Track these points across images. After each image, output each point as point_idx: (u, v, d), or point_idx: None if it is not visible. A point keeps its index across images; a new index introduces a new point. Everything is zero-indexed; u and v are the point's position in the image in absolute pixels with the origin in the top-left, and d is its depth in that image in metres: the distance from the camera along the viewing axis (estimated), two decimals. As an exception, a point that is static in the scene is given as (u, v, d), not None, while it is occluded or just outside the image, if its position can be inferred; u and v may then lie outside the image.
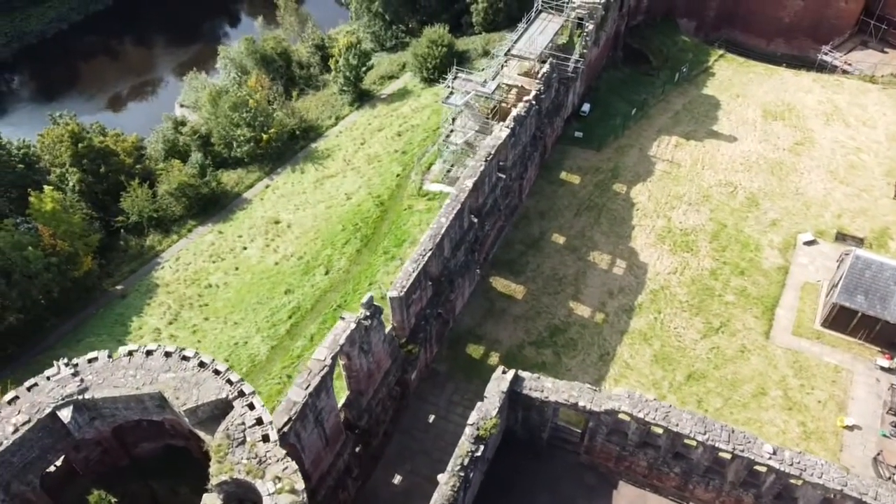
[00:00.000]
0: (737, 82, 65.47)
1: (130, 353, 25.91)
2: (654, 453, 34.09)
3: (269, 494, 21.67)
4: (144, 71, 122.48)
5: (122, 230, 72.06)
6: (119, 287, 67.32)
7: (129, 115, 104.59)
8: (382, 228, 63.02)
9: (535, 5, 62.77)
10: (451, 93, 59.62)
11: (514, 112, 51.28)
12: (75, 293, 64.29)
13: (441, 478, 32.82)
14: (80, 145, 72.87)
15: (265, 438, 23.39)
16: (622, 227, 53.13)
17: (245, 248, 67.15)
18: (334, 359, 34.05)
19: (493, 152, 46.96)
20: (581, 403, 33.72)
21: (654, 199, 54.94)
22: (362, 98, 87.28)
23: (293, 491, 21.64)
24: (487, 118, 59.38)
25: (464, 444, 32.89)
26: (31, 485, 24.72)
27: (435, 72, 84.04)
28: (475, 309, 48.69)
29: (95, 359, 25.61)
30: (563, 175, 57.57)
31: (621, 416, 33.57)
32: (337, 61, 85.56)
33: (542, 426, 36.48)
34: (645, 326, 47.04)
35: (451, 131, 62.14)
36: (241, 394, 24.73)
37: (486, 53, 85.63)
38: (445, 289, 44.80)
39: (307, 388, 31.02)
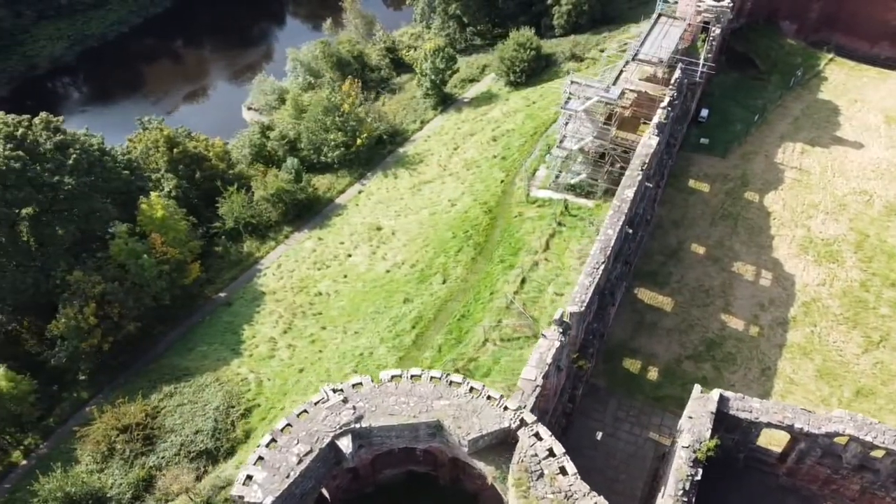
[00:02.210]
0: (851, 87, 64.32)
1: (394, 378, 25.06)
2: (873, 477, 33.12)
3: (587, 532, 20.89)
4: (202, 73, 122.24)
5: (220, 236, 71.50)
6: (222, 294, 66.84)
7: (196, 117, 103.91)
8: (494, 236, 62.10)
9: (656, 9, 61.78)
10: (569, 98, 58.60)
11: (655, 118, 50.31)
12: (182, 301, 63.79)
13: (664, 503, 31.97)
14: (175, 150, 72.41)
15: (563, 471, 22.57)
16: (761, 236, 52.14)
17: (350, 256, 66.42)
18: (545, 378, 33.23)
19: (647, 161, 46.04)
20: (797, 426, 32.70)
21: (788, 208, 53.92)
22: (445, 102, 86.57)
23: (610, 528, 20.84)
24: (606, 124, 58.43)
25: (682, 468, 31.91)
26: (302, 515, 24.05)
27: (522, 75, 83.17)
28: (625, 322, 47.79)
29: (360, 384, 24.75)
30: (692, 183, 56.62)
31: (839, 438, 32.67)
32: (421, 65, 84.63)
33: (741, 447, 35.55)
34: (802, 340, 46.06)
35: (564, 137, 61.12)
36: (524, 422, 23.91)
37: (573, 57, 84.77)
38: (607, 301, 43.95)
39: (523, 408, 30.14)
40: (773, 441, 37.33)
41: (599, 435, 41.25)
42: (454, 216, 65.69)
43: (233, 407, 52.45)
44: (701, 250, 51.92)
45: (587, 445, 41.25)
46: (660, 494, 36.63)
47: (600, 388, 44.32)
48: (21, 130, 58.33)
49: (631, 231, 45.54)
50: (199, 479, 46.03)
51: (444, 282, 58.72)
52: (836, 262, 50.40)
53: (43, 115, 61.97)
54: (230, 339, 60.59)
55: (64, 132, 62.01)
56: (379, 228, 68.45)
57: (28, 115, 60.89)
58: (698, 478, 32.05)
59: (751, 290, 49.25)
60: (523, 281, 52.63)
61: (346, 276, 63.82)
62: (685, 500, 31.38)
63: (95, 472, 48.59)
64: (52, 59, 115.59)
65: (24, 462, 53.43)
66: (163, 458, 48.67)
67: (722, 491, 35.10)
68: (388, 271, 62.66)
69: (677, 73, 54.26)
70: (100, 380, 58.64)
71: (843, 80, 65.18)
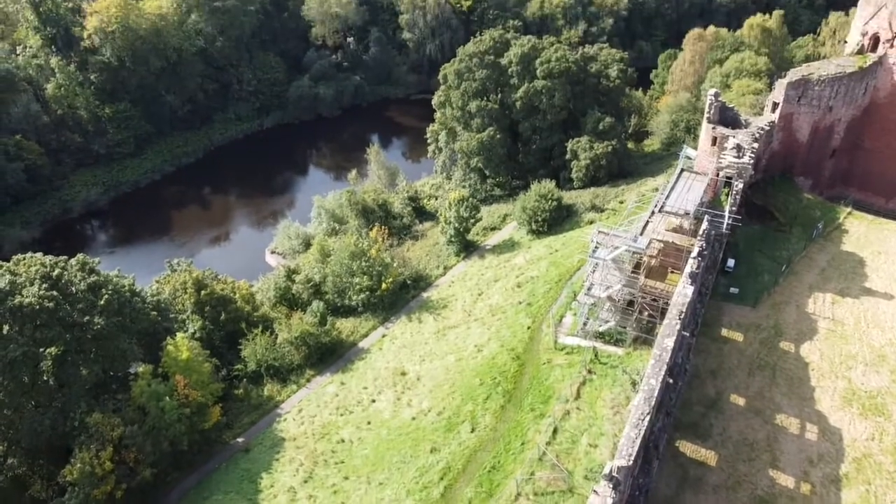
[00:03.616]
0: (873, 239, 65.42)
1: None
2: None
3: None
4: (228, 219, 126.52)
5: (241, 379, 70.53)
6: (240, 440, 64.88)
7: (221, 260, 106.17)
8: (523, 383, 60.94)
9: (679, 164, 64.49)
10: (597, 247, 59.66)
11: (687, 268, 50.82)
12: (199, 446, 61.83)
13: None
14: (202, 292, 73.12)
15: None
16: (802, 387, 50.81)
17: (374, 401, 65.01)
18: (599, 538, 31.14)
19: (683, 310, 45.94)
20: None
21: (826, 359, 53.00)
22: (468, 248, 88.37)
23: None
24: (634, 272, 59.04)
25: None
26: None
27: (544, 224, 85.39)
28: (668, 477, 45.50)
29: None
30: (725, 332, 56.17)
31: None
32: (445, 213, 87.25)
33: None
34: (859, 501, 43.49)
35: (592, 284, 61.55)
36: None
37: (593, 207, 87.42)
38: (651, 454, 42.12)
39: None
40: None
41: None
42: (481, 362, 64.88)
43: (248, 566, 49.13)
44: (741, 401, 50.50)
45: None
46: None
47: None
48: (57, 271, 59.42)
49: (671, 381, 44.56)
50: None
51: (472, 430, 57.00)
52: (883, 416, 48.72)
53: (80, 256, 63.48)
54: (248, 488, 58.07)
55: (98, 273, 63.14)
56: (404, 373, 67.49)
57: (65, 257, 62.37)
58: None
59: (797, 444, 47.27)
60: (555, 431, 51.07)
61: (369, 423, 62.11)
62: None
63: None
64: (86, 204, 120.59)
65: None
66: None
67: None
68: (413, 418, 60.99)
69: (705, 225, 55.51)
70: (107, 532, 55.52)
71: (865, 233, 66.46)
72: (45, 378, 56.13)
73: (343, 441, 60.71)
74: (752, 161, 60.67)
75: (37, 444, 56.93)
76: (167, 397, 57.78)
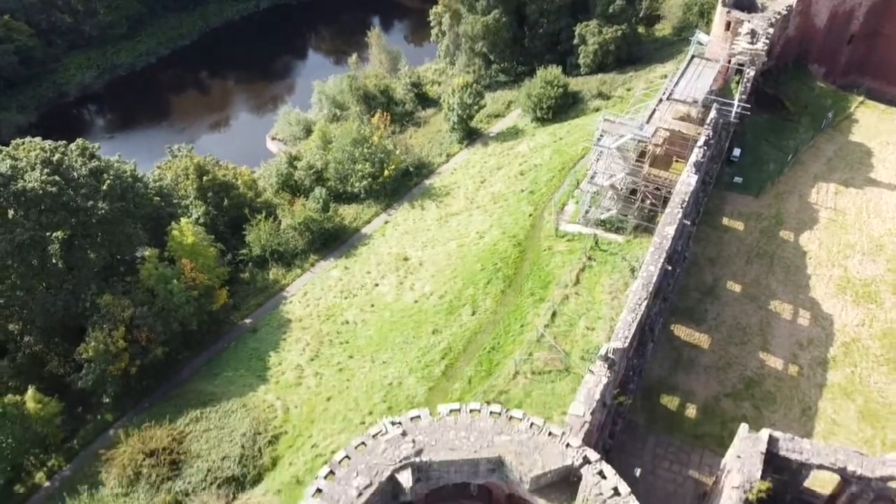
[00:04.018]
0: (883, 130, 64.53)
1: (453, 412, 24.65)
2: (927, 521, 32.29)
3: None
4: (227, 104, 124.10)
5: (246, 263, 71.61)
6: (248, 321, 66.65)
7: (221, 146, 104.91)
8: (523, 269, 61.93)
9: (690, 50, 62.51)
10: (602, 135, 58.92)
11: (692, 157, 50.46)
12: (208, 326, 63.61)
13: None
14: (204, 178, 72.94)
15: (630, 510, 22.13)
16: (798, 275, 51.79)
17: (377, 285, 66.23)
18: (592, 413, 32.72)
19: (686, 199, 46.03)
20: (850, 468, 31.98)
21: (825, 248, 53.67)
22: (471, 136, 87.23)
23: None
24: (638, 161, 58.61)
25: (733, 508, 31.22)
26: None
27: (549, 111, 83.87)
28: (662, 358, 47.25)
29: (418, 417, 24.33)
30: (726, 221, 56.54)
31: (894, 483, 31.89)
32: (449, 100, 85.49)
33: (789, 488, 34.72)
34: (843, 381, 45.37)
35: (595, 173, 61.28)
36: (587, 460, 23.43)
37: (600, 95, 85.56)
38: (647, 337, 43.53)
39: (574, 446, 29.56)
40: (816, 482, 36.49)
41: (638, 472, 40.41)
42: (482, 248, 65.62)
43: (260, 434, 51.86)
44: (737, 288, 51.58)
45: (626, 482, 40.33)
46: (704, 534, 35.78)
47: (638, 426, 43.61)
48: (57, 156, 59.00)
49: (670, 268, 45.28)
50: (226, 506, 45.30)
51: (473, 313, 58.44)
52: (875, 303, 49.92)
53: (79, 141, 62.89)
54: (256, 365, 60.22)
55: (98, 158, 62.78)
56: (406, 259, 68.37)
57: (64, 142, 61.72)
58: (750, 518, 31.25)
59: (789, 328, 48.73)
60: (554, 314, 52.35)
61: (373, 306, 63.58)
62: (738, 540, 30.60)
63: (121, 497, 47.97)
64: (81, 87, 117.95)
65: (48, 483, 52.87)
66: (189, 483, 48.05)
67: (768, 532, 34.03)
68: (416, 302, 62.41)
69: (713, 113, 54.58)
70: (124, 403, 58.31)
71: (875, 123, 65.45)
72: (53, 261, 57.01)
73: (347, 322, 62.36)
74: (766, 47, 58.82)
75: (51, 323, 58.66)
76: (175, 280, 58.87)
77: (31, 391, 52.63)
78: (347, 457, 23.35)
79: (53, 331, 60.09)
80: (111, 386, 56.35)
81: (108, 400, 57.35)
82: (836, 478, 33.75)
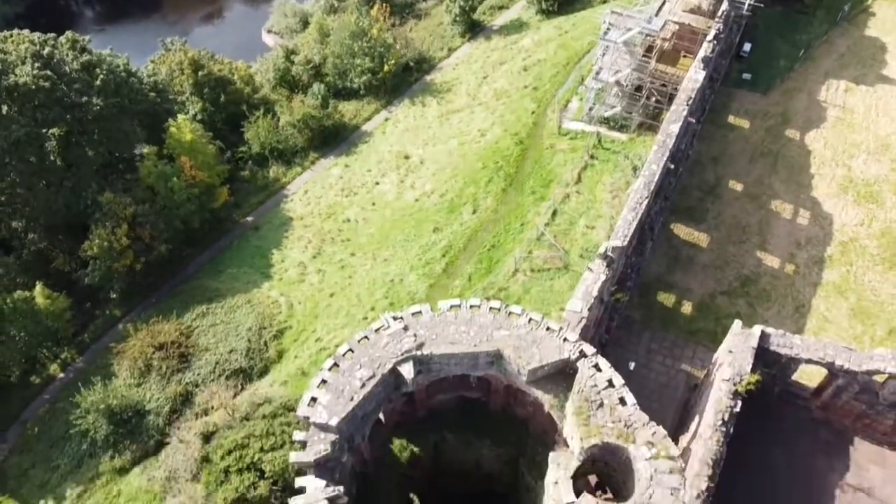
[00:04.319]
0: (900, 24, 62.35)
1: (453, 308, 25.20)
2: (910, 413, 33.70)
3: (647, 459, 21.31)
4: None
5: (246, 161, 71.08)
6: (250, 219, 66.91)
7: (215, 40, 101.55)
8: (525, 167, 61.53)
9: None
10: (609, 28, 56.97)
11: (701, 52, 48.96)
12: (210, 224, 63.94)
13: (703, 432, 32.67)
14: (199, 73, 71.17)
15: (622, 401, 22.96)
16: (801, 175, 51.48)
17: (377, 184, 66.02)
18: (590, 310, 33.44)
19: (692, 96, 45.06)
20: (838, 363, 33.02)
21: (830, 147, 53.03)
22: (474, 29, 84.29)
23: (670, 457, 21.26)
24: (645, 56, 56.98)
25: (722, 400, 32.46)
26: (364, 437, 24.62)
27: (555, 3, 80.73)
28: (661, 256, 47.76)
29: (419, 312, 24.90)
30: (732, 119, 55.57)
31: (879, 376, 33.02)
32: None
33: (777, 381, 36.00)
34: (838, 279, 46.05)
35: (601, 68, 59.71)
36: (583, 354, 24.15)
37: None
38: (646, 236, 43.83)
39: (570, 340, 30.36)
40: (804, 376, 37.80)
41: (632, 365, 41.78)
42: (484, 146, 64.95)
43: (265, 328, 53.21)
44: (739, 187, 51.40)
45: (620, 375, 41.80)
46: (692, 424, 37.39)
47: (635, 322, 44.69)
48: (48, 49, 57.32)
49: (673, 167, 44.96)
50: (235, 395, 47.12)
51: (473, 212, 58.59)
52: (876, 203, 49.90)
53: (69, 34, 60.95)
54: (259, 262, 60.98)
55: (90, 52, 61.05)
56: (407, 157, 67.82)
57: (53, 34, 59.78)
58: (737, 409, 32.58)
59: (788, 228, 48.97)
60: (554, 213, 52.49)
61: (374, 204, 63.65)
62: (723, 430, 32.04)
63: (133, 387, 49.78)
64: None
65: (62, 375, 54.80)
66: (198, 375, 49.73)
67: (755, 422, 35.64)
68: (416, 200, 62.44)
69: (724, 6, 52.51)
70: (131, 299, 59.49)
71: (892, 17, 63.00)
72: (52, 158, 56.67)
73: (349, 221, 62.64)
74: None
75: (54, 221, 59.00)
76: (175, 178, 58.63)
77: (39, 287, 53.59)
78: (351, 350, 24.09)
79: (57, 228, 60.48)
80: (117, 282, 57.36)
81: (115, 296, 58.53)
82: (824, 372, 34.89)
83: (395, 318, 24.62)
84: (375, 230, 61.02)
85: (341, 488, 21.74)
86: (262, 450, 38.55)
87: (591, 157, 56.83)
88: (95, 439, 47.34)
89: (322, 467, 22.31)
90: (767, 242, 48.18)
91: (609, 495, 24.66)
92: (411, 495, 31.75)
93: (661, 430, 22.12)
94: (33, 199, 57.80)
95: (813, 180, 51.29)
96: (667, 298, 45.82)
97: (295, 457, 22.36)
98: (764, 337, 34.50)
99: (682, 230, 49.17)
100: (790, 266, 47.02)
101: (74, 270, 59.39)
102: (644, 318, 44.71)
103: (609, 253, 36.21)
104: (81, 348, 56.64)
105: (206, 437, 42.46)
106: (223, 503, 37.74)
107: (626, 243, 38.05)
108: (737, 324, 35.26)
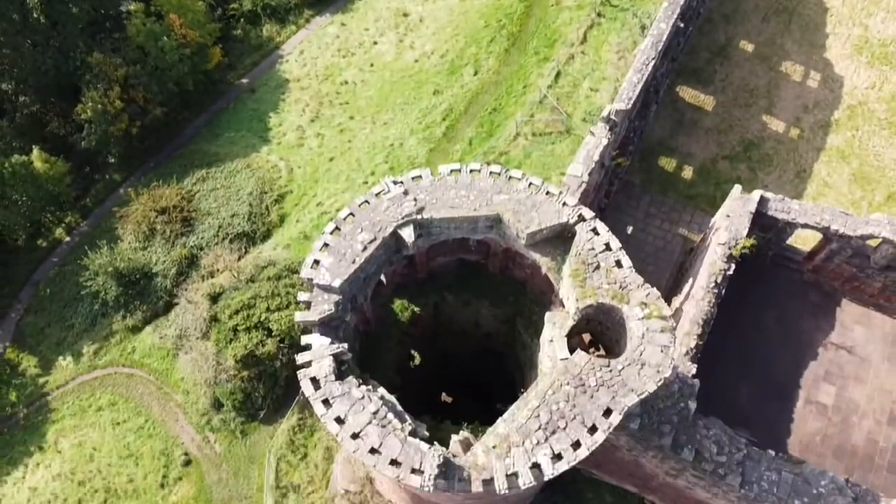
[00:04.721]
0: None
1: (453, 172, 25.09)
2: (898, 276, 34.48)
3: (639, 319, 22.02)
4: None
5: (238, 19, 68.18)
6: (245, 81, 65.24)
7: None
8: (529, 26, 59.07)
9: None
10: None
11: None
12: (204, 86, 62.44)
13: (696, 294, 33.63)
14: (183, -80, 66.40)
15: (618, 264, 23.38)
16: (815, 35, 49.40)
17: (375, 43, 63.69)
18: (590, 175, 33.35)
19: (707, -55, 42.41)
20: (833, 227, 33.31)
21: (848, 4, 50.47)
22: None
23: (662, 317, 21.95)
24: None
25: (716, 263, 33.11)
26: (366, 298, 25.32)
27: None
28: (664, 120, 46.87)
29: (419, 177, 24.81)
30: (747, -28, 52.65)
31: (873, 240, 33.47)
32: None
33: (772, 245, 36.54)
34: (842, 144, 45.49)
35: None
36: (582, 218, 24.31)
37: None
38: (651, 99, 42.83)
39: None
40: (798, 240, 38.34)
41: (630, 229, 42.31)
42: (486, 3, 62.07)
43: (266, 193, 53.42)
44: (750, 48, 49.54)
45: (618, 238, 42.39)
46: (686, 286, 38.43)
47: (635, 186, 44.68)
48: None
49: (683, 25, 43.12)
50: (240, 258, 48.12)
51: (475, 73, 56.99)
52: (890, 65, 48.26)
53: None
54: (257, 126, 60.17)
55: None
56: (406, 15, 64.93)
57: None
58: (730, 273, 33.30)
59: (797, 91, 47.73)
60: (558, 75, 50.95)
61: (372, 65, 61.78)
62: (715, 291, 32.93)
63: (139, 251, 50.73)
64: None
65: (68, 239, 55.70)
66: (202, 238, 50.51)
67: (747, 284, 36.53)
68: (416, 61, 60.53)
69: None
70: (130, 163, 59.31)
71: None
72: (35, 15, 54.38)
73: (347, 83, 61.08)
74: None
75: (44, 82, 57.53)
76: (165, 38, 56.50)
77: (36, 151, 53.22)
78: (352, 214, 24.26)
79: (48, 90, 59.07)
80: (114, 146, 56.87)
81: (113, 160, 58.23)
82: (818, 236, 35.33)
83: (395, 183, 24.58)
84: (374, 93, 59.65)
85: (345, 345, 22.64)
86: (268, 310, 39.90)
87: (598, 14, 54.28)
88: (106, 300, 48.94)
89: (326, 326, 23.13)
90: (774, 106, 47.15)
91: (601, 352, 25.75)
92: (412, 352, 33.21)
93: (655, 292, 22.71)
94: (20, 60, 56.07)
95: (827, 40, 49.35)
96: (668, 163, 45.54)
97: (300, 316, 23.10)
98: (762, 202, 34.62)
99: (687, 93, 47.98)
100: (795, 130, 46.31)
101: (70, 134, 58.75)
102: (644, 182, 44.67)
103: (612, 117, 35.58)
104: (85, 213, 57.16)
105: (214, 298, 43.79)
106: (233, 359, 39.60)
107: (630, 106, 37.28)
108: (736, 188, 35.28)
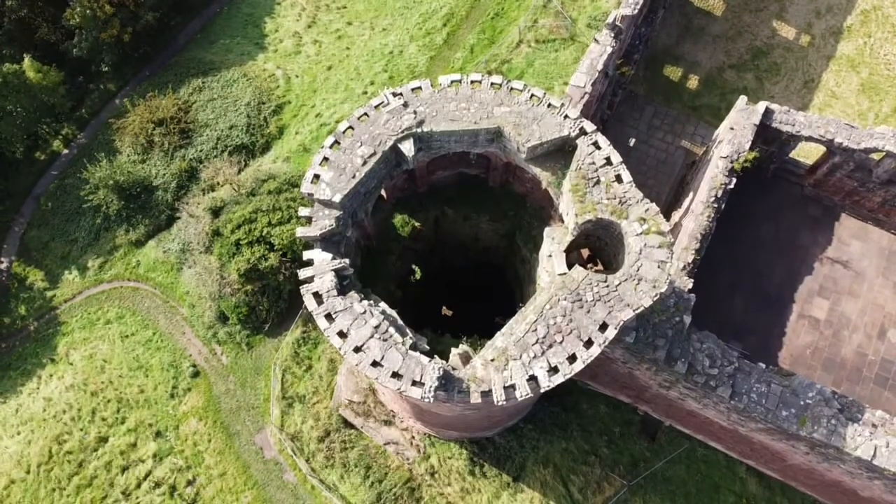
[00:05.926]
0: None
1: (453, 83, 24.56)
2: (899, 190, 34.33)
3: (638, 235, 22.12)
4: None
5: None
6: (236, -17, 62.69)
7: None
8: (533, -76, 56.23)
9: None
10: None
11: None
12: (196, -11, 60.24)
13: (696, 208, 33.67)
14: None
15: (618, 179, 23.25)
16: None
17: (373, -57, 60.75)
18: (594, 85, 32.70)
19: None
20: (837, 140, 32.90)
21: None
22: None
23: (660, 233, 22.03)
24: None
25: (717, 177, 32.96)
26: (367, 212, 25.35)
27: None
28: (671, 26, 45.42)
29: (419, 88, 24.30)
30: None
31: (876, 154, 33.14)
32: None
33: (774, 158, 36.24)
34: (853, 52, 44.25)
35: None
36: (583, 131, 23.98)
37: None
38: (658, 3, 41.35)
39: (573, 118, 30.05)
40: (801, 153, 38.04)
41: (632, 141, 41.87)
42: None
43: (263, 103, 52.54)
44: (763, -53, 47.44)
45: (620, 151, 42.02)
46: (686, 200, 38.45)
47: (639, 96, 43.87)
48: None
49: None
50: (239, 171, 47.88)
51: (476, -24, 54.67)
52: (909, -34, 46.39)
53: None
54: (252, 32, 58.46)
55: None
56: (403, -89, 61.59)
57: None
58: (731, 187, 33.23)
59: (810, -6, 46.12)
60: (563, -7, 48.96)
61: (369, -33, 59.22)
62: (715, 206, 32.97)
63: (138, 164, 50.44)
64: None
65: (66, 151, 55.25)
66: (201, 151, 50.08)
67: (747, 197, 36.57)
68: (416, -37, 57.95)
69: None
70: (124, 72, 57.97)
71: None
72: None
73: (343, -14, 58.81)
74: None
75: (28, -15, 55.46)
76: (152, -64, 53.99)
77: (27, 60, 51.97)
78: (351, 127, 23.97)
79: (33, -6, 56.96)
80: (107, 54, 55.38)
81: (106, 69, 56.83)
82: (822, 149, 35.05)
83: (394, 95, 24.13)
84: None
85: (347, 260, 22.93)
86: (269, 224, 40.07)
87: (609, -89, 51.71)
88: (108, 214, 49.10)
89: (328, 241, 23.33)
90: (786, 10, 45.55)
91: (599, 267, 26.08)
92: (413, 266, 33.62)
93: (654, 207, 22.71)
94: (0, -41, 53.90)
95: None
96: (673, 72, 44.50)
97: (301, 231, 23.27)
98: (767, 113, 34.08)
99: (697, -3, 46.36)
100: (805, 37, 44.95)
101: (61, 42, 57.06)
102: (648, 92, 43.83)
103: (618, 23, 34.50)
104: (81, 124, 56.42)
105: (215, 212, 43.90)
106: (236, 272, 40.11)
107: (636, 12, 36.09)
108: (742, 99, 34.68)
